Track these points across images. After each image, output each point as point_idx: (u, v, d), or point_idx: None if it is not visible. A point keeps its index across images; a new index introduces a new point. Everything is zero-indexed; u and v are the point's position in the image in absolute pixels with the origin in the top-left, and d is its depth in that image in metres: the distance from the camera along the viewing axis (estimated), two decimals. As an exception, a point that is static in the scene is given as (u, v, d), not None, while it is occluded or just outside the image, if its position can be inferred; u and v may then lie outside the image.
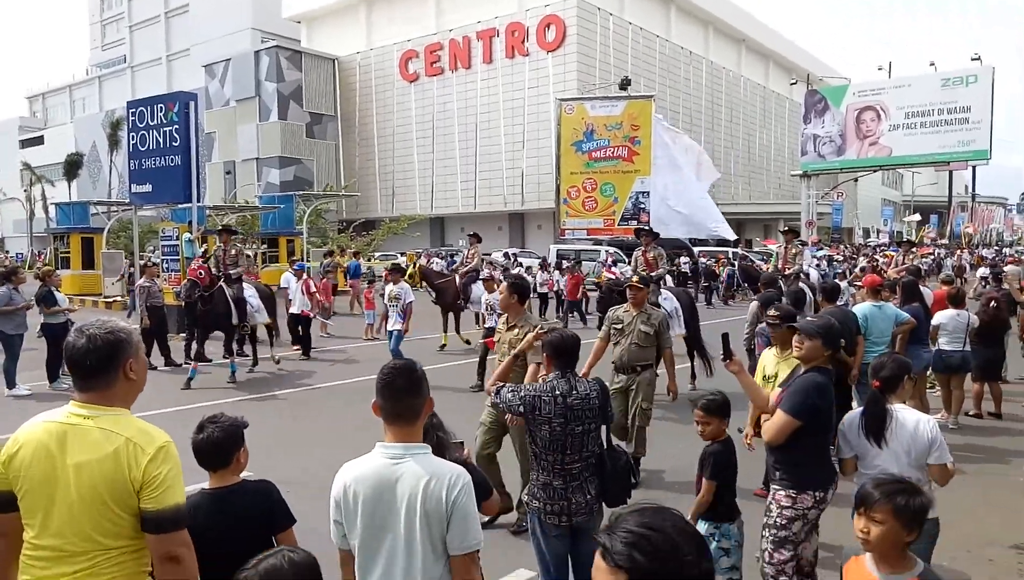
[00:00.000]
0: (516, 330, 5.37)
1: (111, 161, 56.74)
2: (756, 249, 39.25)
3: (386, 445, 2.40)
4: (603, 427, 3.70)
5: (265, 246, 30.42)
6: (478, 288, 13.68)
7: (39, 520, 2.16)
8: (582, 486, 3.55)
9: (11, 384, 10.45)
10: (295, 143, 54.55)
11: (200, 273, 11.03)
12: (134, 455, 2.14)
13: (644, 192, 32.06)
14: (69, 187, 57.26)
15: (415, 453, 2.37)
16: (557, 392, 3.51)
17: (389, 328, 11.39)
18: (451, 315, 14.67)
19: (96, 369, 2.20)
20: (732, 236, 29.52)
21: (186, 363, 11.47)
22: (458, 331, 14.81)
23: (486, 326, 11.55)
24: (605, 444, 3.70)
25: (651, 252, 10.98)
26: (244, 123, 54.72)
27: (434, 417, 2.87)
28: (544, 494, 3.56)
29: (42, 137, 73.18)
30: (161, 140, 16.71)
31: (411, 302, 11.12)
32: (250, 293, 12.06)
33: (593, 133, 33.39)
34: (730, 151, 59.58)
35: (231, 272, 11.92)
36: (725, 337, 3.94)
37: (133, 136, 17.57)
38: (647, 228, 12.66)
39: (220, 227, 15.17)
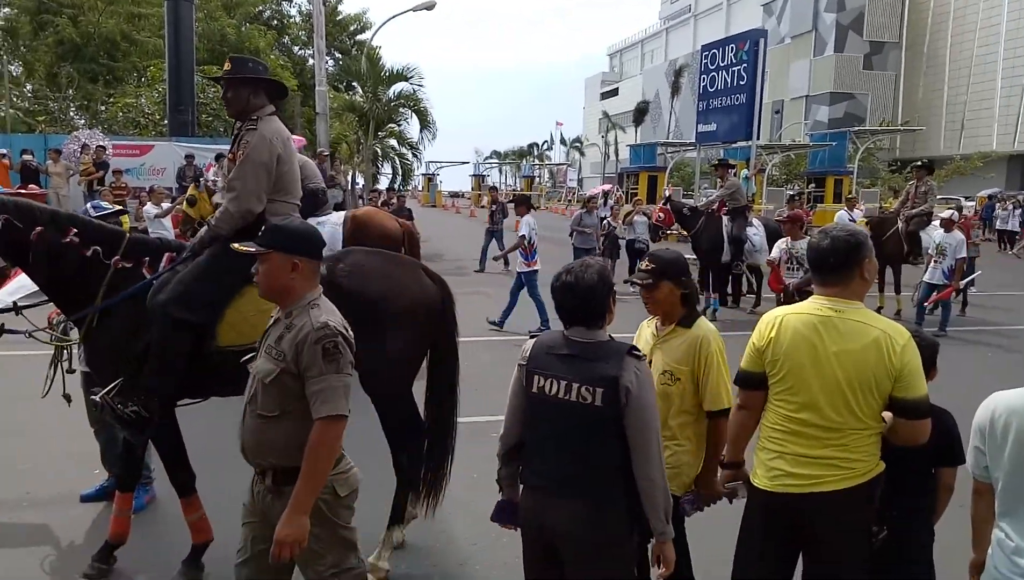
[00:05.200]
0: None
1: (672, 107, 62.09)
2: None
3: None
4: None
5: (812, 186, 29.76)
6: None
7: (801, 398, 2.48)
8: None
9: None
10: (849, 77, 51.32)
11: (659, 216, 11.27)
12: (890, 345, 2.38)
13: None
14: (636, 133, 64.90)
15: None
16: None
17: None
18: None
19: (836, 266, 2.50)
20: None
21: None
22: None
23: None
24: None
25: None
26: (797, 60, 53.63)
27: None
28: None
29: (617, 89, 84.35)
30: (729, 80, 17.57)
31: None
32: (753, 230, 11.23)
33: None
34: None
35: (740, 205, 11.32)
36: None
37: (704, 78, 18.88)
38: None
39: (716, 161, 14.82)
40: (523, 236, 9.96)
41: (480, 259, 15.77)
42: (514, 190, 70.65)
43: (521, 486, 2.53)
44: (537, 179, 65.05)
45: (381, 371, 3.73)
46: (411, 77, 21.02)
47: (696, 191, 23.94)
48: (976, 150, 40.16)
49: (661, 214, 11.67)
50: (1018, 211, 23.39)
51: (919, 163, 12.53)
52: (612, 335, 2.44)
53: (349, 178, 24.06)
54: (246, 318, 3.59)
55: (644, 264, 2.91)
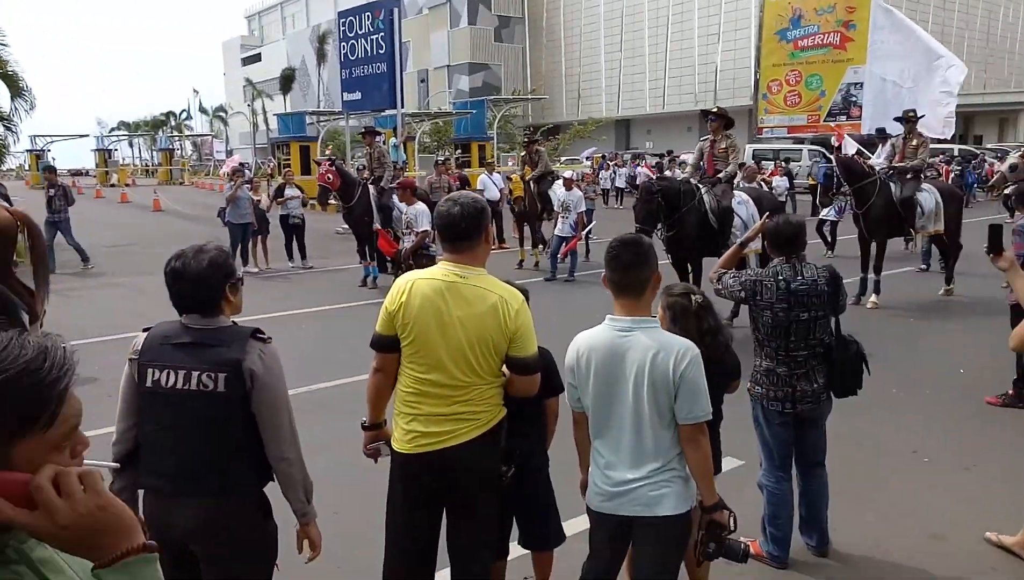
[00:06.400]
0: None
1: (319, 74, 60.70)
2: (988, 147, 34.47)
3: (615, 318, 2.48)
4: (834, 316, 3.60)
5: (459, 151, 31.56)
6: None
7: (429, 361, 2.55)
8: (808, 374, 3.52)
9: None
10: (483, 49, 55.13)
11: (328, 177, 10.85)
12: (506, 310, 2.51)
13: (857, 83, 28.99)
14: (285, 101, 62.26)
15: (644, 326, 2.45)
16: (780, 277, 3.47)
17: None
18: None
19: (465, 232, 2.57)
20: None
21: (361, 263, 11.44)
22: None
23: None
24: (835, 333, 3.61)
25: (722, 142, 8.07)
26: (436, 30, 56.02)
27: (712, 317, 2.96)
28: (767, 380, 3.56)
29: (260, 54, 79.67)
30: (369, 48, 17.62)
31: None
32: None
33: (800, 19, 30.44)
34: (964, 32, 51.88)
35: (376, 174, 11.43)
36: (994, 229, 3.32)
37: (344, 45, 18.69)
38: (715, 109, 8.66)
39: (363, 129, 14.40)
40: None
41: (80, 255, 12.76)
42: (148, 165, 63.40)
43: (141, 492, 2.28)
44: (178, 152, 59.06)
45: None
46: (-9, 34, 17.24)
47: (349, 160, 23.84)
48: (589, 116, 46.19)
49: (330, 176, 10.96)
50: (622, 169, 27.42)
51: (526, 137, 14.16)
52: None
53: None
54: None
55: None
